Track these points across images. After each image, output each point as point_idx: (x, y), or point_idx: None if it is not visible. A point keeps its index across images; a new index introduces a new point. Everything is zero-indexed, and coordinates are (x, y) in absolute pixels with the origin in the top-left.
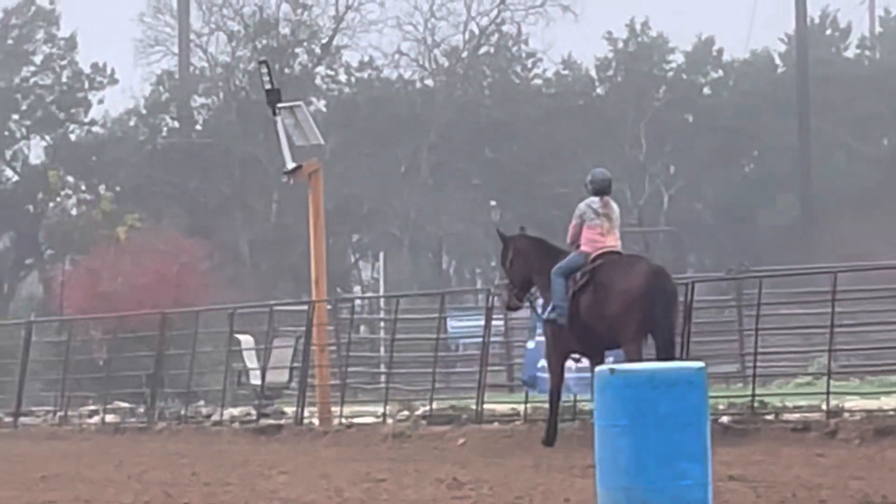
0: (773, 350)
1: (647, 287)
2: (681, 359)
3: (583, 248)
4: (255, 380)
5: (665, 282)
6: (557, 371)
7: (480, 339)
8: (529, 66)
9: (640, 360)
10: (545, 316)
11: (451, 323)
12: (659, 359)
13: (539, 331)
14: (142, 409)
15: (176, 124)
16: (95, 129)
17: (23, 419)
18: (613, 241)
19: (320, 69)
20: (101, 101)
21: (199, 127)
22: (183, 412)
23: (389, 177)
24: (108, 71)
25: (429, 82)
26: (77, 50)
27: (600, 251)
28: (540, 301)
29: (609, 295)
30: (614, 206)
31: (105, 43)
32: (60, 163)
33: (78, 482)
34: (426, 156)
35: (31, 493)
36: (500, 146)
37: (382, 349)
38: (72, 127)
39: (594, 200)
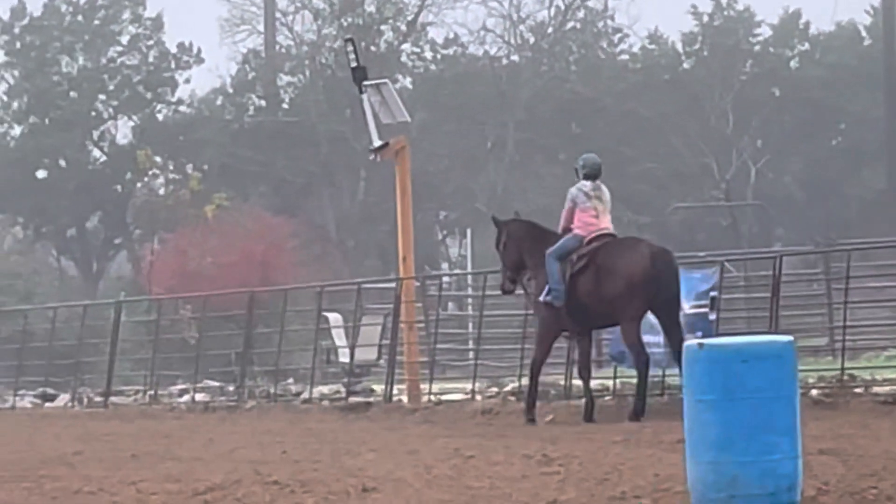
0: (862, 323)
1: (651, 268)
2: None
3: (576, 231)
4: (344, 357)
5: (669, 262)
6: (545, 350)
7: None
8: (615, 40)
9: (637, 338)
10: (542, 299)
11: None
12: (670, 337)
13: None
14: (231, 388)
15: (262, 103)
16: (182, 108)
17: (113, 398)
18: (607, 224)
19: (406, 46)
20: (187, 81)
21: (285, 105)
22: (272, 390)
23: (476, 153)
24: (195, 50)
25: (514, 58)
26: (163, 30)
27: (595, 234)
28: (532, 283)
29: (612, 276)
30: (605, 189)
31: (191, 22)
32: (148, 143)
33: (168, 461)
34: (512, 132)
35: (122, 472)
36: (586, 121)
37: (470, 326)
38: (159, 107)
39: (586, 184)
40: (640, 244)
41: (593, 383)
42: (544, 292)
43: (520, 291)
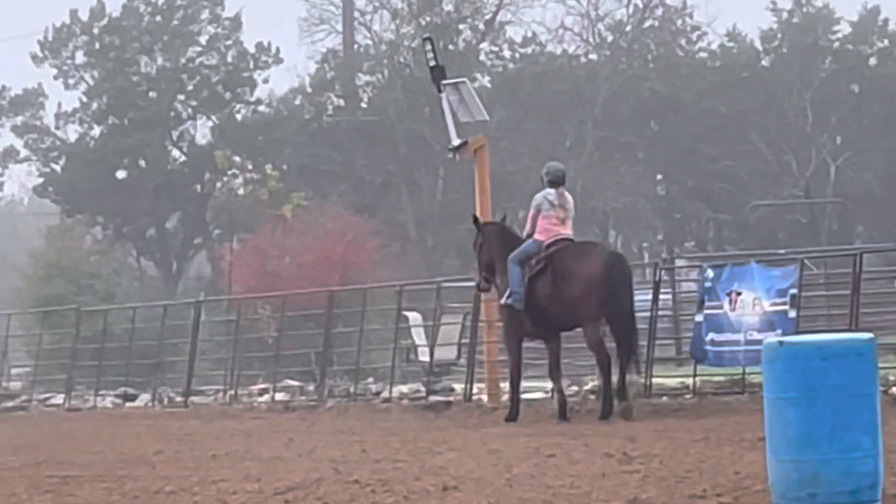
0: None
1: (605, 271)
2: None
3: (537, 236)
4: (424, 356)
5: (622, 266)
6: (515, 353)
7: (648, 313)
8: (694, 38)
9: (598, 338)
10: (502, 301)
11: None
12: (620, 339)
13: (707, 303)
14: (311, 387)
15: (341, 102)
16: (261, 108)
17: (193, 398)
18: (567, 230)
19: (484, 45)
20: (266, 81)
21: (364, 105)
22: (352, 390)
23: (554, 152)
24: (273, 50)
25: (593, 56)
26: (242, 29)
27: (554, 238)
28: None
29: (569, 279)
30: (569, 196)
31: (270, 22)
32: (226, 143)
33: (248, 460)
34: (591, 130)
35: (202, 472)
36: (665, 119)
37: None
38: (237, 106)
39: (550, 192)
40: (595, 249)
41: (673, 382)
42: (505, 295)
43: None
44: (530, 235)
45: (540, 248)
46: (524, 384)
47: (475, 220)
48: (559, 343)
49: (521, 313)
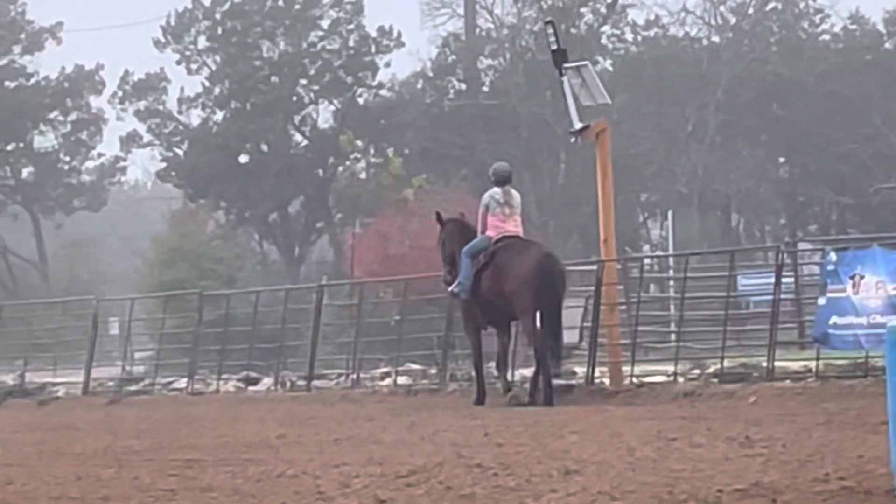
0: None
1: (536, 269)
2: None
3: (487, 232)
4: None
5: (552, 265)
6: (475, 340)
7: (771, 297)
8: (816, 21)
9: (534, 330)
10: (451, 290)
11: (741, 280)
12: (547, 331)
13: (830, 287)
14: (433, 371)
15: (463, 86)
16: (383, 92)
17: (315, 382)
18: (513, 227)
19: (606, 28)
20: (387, 65)
21: (485, 89)
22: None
23: (676, 135)
24: (395, 34)
25: (715, 39)
26: (363, 13)
27: (501, 235)
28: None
29: (506, 275)
30: (514, 194)
31: (391, 6)
32: (349, 127)
33: (370, 444)
34: (713, 113)
35: (325, 456)
36: (788, 102)
37: (672, 308)
38: (359, 91)
39: (497, 191)
40: (532, 248)
41: (796, 365)
42: (454, 284)
43: None
44: (483, 232)
45: (489, 244)
46: (648, 367)
47: (438, 216)
48: (509, 335)
49: (473, 303)
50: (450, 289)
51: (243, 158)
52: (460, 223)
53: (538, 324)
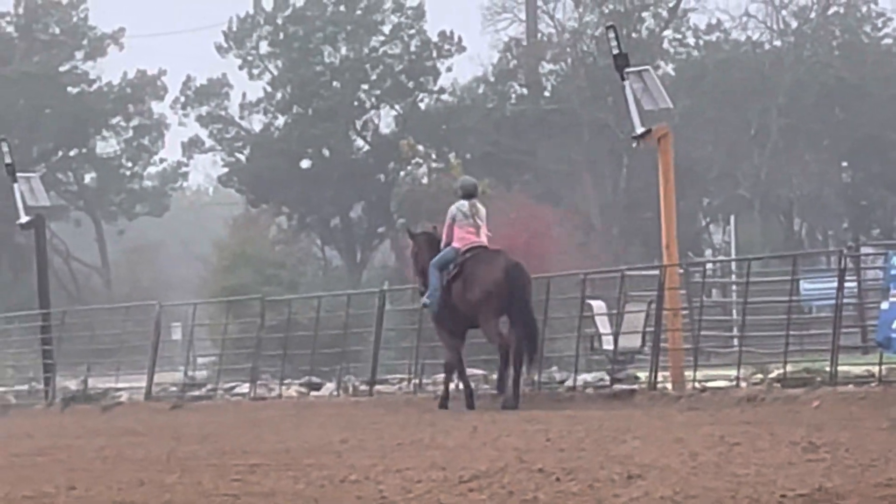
0: None
1: (503, 279)
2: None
3: (454, 244)
4: (608, 345)
5: (517, 274)
6: (451, 345)
7: (833, 301)
8: (879, 24)
9: (495, 336)
10: (422, 301)
11: (803, 285)
12: (522, 335)
13: (893, 291)
14: (495, 376)
15: (524, 91)
16: (444, 97)
17: (378, 387)
18: (481, 238)
19: (668, 33)
20: (449, 70)
21: (547, 93)
22: (536, 378)
23: (738, 139)
24: (456, 39)
25: (777, 43)
26: (425, 18)
27: (469, 246)
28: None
29: (472, 284)
30: (480, 207)
31: (452, 11)
32: (410, 132)
33: (433, 449)
34: (775, 117)
35: (387, 460)
36: (850, 106)
37: (735, 312)
38: (421, 95)
39: (463, 204)
40: (498, 258)
41: (859, 370)
42: (425, 295)
43: None
44: (448, 244)
45: (457, 255)
46: (710, 372)
47: (408, 231)
48: (464, 342)
49: (444, 312)
50: (421, 300)
51: (305, 163)
52: (430, 236)
53: (520, 335)
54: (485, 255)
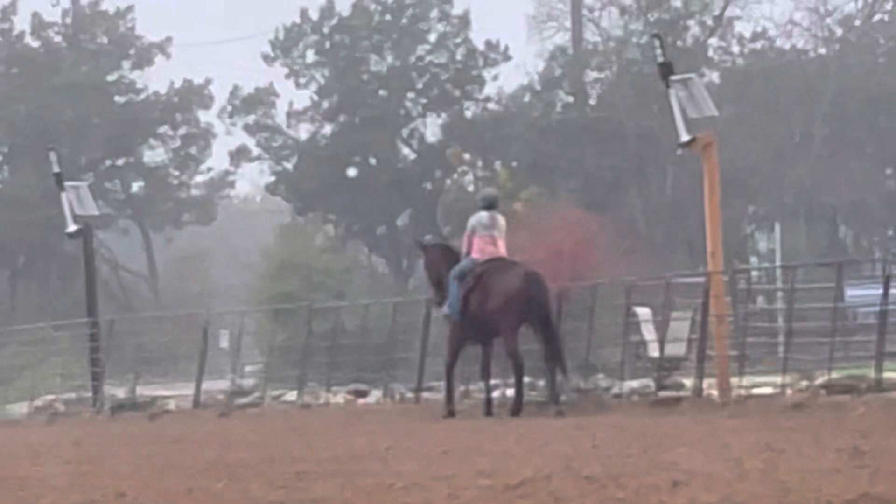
0: None
1: (521, 289)
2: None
3: (473, 255)
4: (654, 352)
5: (536, 284)
6: (453, 357)
7: (878, 308)
8: None
9: (515, 346)
10: (442, 311)
11: (848, 292)
12: (545, 346)
13: None
14: (541, 383)
15: (570, 99)
16: (490, 105)
17: (424, 394)
18: (500, 249)
19: (713, 41)
20: (495, 78)
21: (592, 102)
22: (582, 385)
23: (783, 147)
24: (502, 47)
25: (822, 51)
26: (470, 27)
27: (488, 257)
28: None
29: (492, 295)
30: (500, 218)
31: (498, 20)
32: (456, 140)
33: (478, 456)
34: (820, 125)
35: (433, 468)
36: (895, 114)
37: (780, 319)
38: (467, 104)
39: (483, 215)
40: (517, 268)
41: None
42: (445, 306)
43: None
44: (467, 254)
45: (475, 266)
46: (756, 379)
47: (419, 243)
48: (492, 348)
49: (461, 322)
50: (441, 310)
51: (352, 172)
52: (443, 247)
53: (544, 343)
54: (503, 266)
